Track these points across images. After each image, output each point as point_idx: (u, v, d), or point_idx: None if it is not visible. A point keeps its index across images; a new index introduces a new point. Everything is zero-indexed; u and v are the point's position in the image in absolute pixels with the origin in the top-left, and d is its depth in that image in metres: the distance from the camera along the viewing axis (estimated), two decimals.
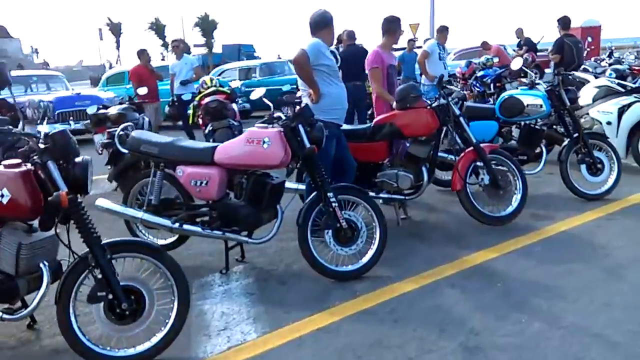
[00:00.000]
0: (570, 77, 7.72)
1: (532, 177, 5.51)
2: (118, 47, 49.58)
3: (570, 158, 5.12)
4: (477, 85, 11.13)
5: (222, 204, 3.63)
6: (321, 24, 4.14)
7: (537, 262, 3.80)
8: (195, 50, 35.03)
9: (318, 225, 3.59)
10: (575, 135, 5.10)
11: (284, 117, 3.58)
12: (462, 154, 4.47)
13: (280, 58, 23.82)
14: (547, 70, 15.35)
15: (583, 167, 5.14)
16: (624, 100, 5.98)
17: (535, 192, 5.46)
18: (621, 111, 5.97)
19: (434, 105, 4.46)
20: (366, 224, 3.69)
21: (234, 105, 7.81)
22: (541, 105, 5.11)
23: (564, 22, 8.41)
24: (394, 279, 3.61)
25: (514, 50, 15.95)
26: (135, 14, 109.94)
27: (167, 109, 9.41)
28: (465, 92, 7.87)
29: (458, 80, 11.84)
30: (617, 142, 6.03)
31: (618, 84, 6.14)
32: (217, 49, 35.53)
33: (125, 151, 4.62)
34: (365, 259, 3.64)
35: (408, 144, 4.56)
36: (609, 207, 4.91)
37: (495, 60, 13.69)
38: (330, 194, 3.49)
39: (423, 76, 8.44)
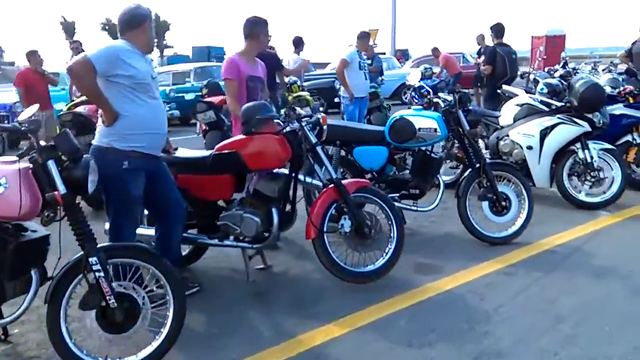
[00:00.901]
0: (500, 91, 6.91)
1: (426, 216, 4.65)
2: (71, 47, 47.59)
3: (471, 192, 4.27)
4: (416, 97, 10.27)
5: None
6: (132, 23, 3.17)
7: (392, 343, 2.87)
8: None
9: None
10: (477, 165, 4.23)
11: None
12: (321, 192, 3.54)
13: None
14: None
15: (485, 204, 4.26)
16: (547, 121, 5.13)
17: (429, 234, 4.59)
18: (544, 134, 5.13)
19: (286, 130, 3.52)
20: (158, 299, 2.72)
21: None
22: (436, 129, 4.21)
23: (497, 30, 7.60)
24: None
25: (474, 58, 15.24)
26: (90, 12, 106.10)
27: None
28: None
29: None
30: (539, 169, 5.20)
31: (541, 102, 5.28)
32: (187, 50, 34.42)
33: None
34: None
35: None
36: (514, 255, 4.02)
37: (437, 70, 12.92)
38: (93, 259, 2.50)
39: (342, 88, 7.53)
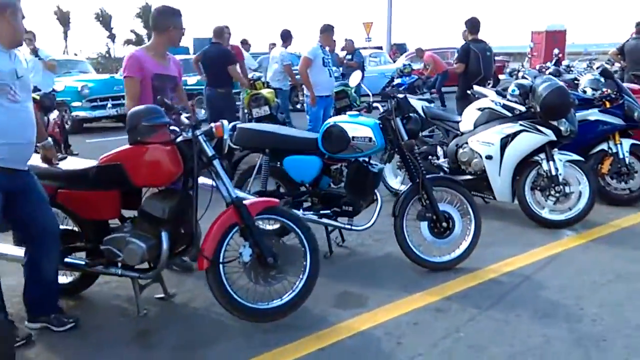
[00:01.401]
0: (469, 92, 6.37)
1: (371, 232, 4.14)
2: (66, 38, 47.04)
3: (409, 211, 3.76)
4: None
5: None
6: None
7: None
8: None
9: None
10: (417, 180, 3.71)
11: None
12: (219, 215, 3.03)
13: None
14: (501, 77, 14.10)
15: (424, 225, 3.75)
16: (508, 128, 4.60)
17: (366, 255, 4.09)
18: (505, 142, 4.60)
19: (178, 140, 3.01)
20: None
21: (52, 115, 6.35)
22: (371, 139, 3.69)
23: (472, 25, 7.02)
24: None
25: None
26: (84, 2, 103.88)
27: None
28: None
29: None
30: (499, 182, 4.68)
31: (504, 106, 4.75)
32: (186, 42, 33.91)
33: None
34: None
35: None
36: (452, 285, 3.52)
37: (417, 67, 12.38)
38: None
39: (304, 88, 7.01)
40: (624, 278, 3.57)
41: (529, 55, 12.48)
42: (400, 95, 3.78)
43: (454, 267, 3.74)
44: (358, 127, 3.71)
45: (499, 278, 3.62)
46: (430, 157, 5.25)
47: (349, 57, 10.74)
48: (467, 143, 4.85)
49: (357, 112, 3.86)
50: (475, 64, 6.80)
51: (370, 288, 3.51)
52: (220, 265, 2.93)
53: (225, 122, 3.03)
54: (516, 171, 4.65)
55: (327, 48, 6.72)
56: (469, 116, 4.96)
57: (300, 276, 3.07)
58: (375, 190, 3.86)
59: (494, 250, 4.08)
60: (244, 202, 2.99)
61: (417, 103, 5.42)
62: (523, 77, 11.69)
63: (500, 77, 14.21)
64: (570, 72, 12.79)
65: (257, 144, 4.05)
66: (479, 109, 4.90)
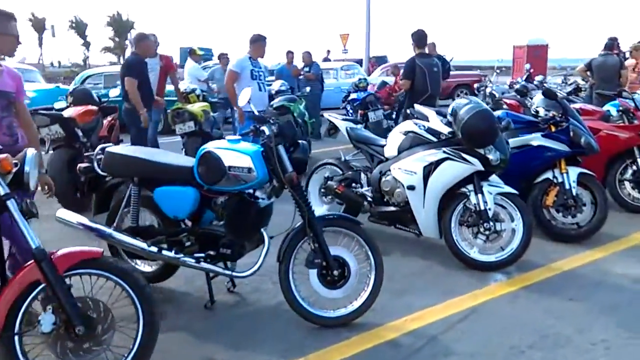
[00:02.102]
0: (409, 111, 5.79)
1: (258, 280, 3.53)
2: (40, 45, 46.11)
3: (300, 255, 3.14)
4: (350, 110, 9.17)
5: None
6: None
7: None
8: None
9: None
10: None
11: None
12: (17, 271, 2.39)
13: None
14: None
15: (313, 273, 3.13)
16: (431, 155, 4.01)
17: (243, 310, 3.46)
18: (428, 171, 4.01)
19: None
20: None
21: None
22: (250, 169, 3.07)
23: (418, 38, 6.46)
24: None
25: None
26: (59, 10, 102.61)
27: None
28: None
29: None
30: (424, 215, 4.09)
31: (428, 130, 4.16)
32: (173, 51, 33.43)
33: None
34: None
35: None
36: (337, 350, 2.90)
37: (375, 81, 11.84)
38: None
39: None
40: (549, 341, 2.97)
41: (497, 71, 11.93)
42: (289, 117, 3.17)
43: (349, 322, 3.12)
44: (236, 155, 3.09)
45: (398, 339, 3.01)
46: (354, 184, 4.65)
47: (307, 69, 10.19)
48: (390, 170, 4.26)
49: (240, 137, 3.24)
50: (421, 81, 6.24)
51: (242, 352, 2.88)
52: (16, 337, 2.28)
53: (29, 150, 2.40)
54: (443, 204, 4.06)
55: (258, 59, 6.13)
56: (393, 140, 4.37)
57: (131, 346, 2.44)
58: (263, 230, 3.23)
59: (405, 299, 3.48)
60: (58, 252, 2.37)
61: (341, 124, 4.84)
62: (491, 94, 11.21)
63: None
64: (543, 87, 12.34)
65: (123, 172, 3.42)
66: (402, 133, 4.31)
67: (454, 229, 4.00)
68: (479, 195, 3.89)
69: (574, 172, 4.51)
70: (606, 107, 6.00)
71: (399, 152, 4.26)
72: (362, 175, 4.62)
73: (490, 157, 3.83)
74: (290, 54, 10.61)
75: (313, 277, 3.11)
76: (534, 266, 4.02)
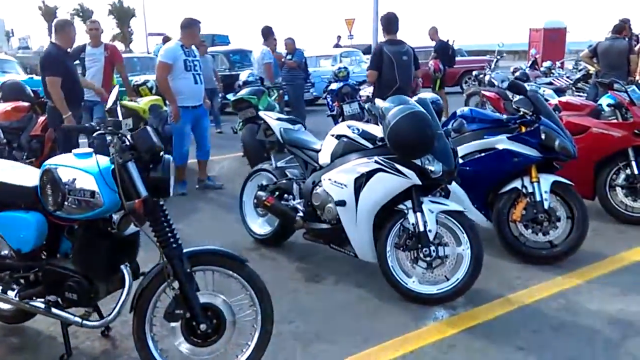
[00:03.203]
0: (368, 106, 5.10)
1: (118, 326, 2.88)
2: (50, 34, 45.82)
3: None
4: (330, 102, 8.46)
5: None
6: None
7: None
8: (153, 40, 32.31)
9: None
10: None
11: None
12: None
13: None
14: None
15: (176, 327, 2.46)
16: (363, 165, 3.32)
17: None
18: (359, 184, 3.32)
19: None
20: None
21: None
22: (93, 193, 2.41)
23: (388, 22, 5.70)
24: None
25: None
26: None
27: None
28: None
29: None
30: (357, 235, 3.42)
31: (362, 134, 3.45)
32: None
33: None
34: None
35: None
36: None
37: (358, 69, 11.04)
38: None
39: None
40: None
41: (498, 56, 11.00)
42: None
43: None
44: (77, 175, 2.44)
45: None
46: (286, 195, 3.99)
47: (289, 57, 9.47)
48: (322, 181, 3.58)
49: (89, 151, 2.59)
50: (389, 71, 5.50)
51: None
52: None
53: None
54: (378, 222, 3.37)
55: (193, 47, 5.44)
56: (327, 146, 3.68)
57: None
58: (123, 267, 2.57)
59: (313, 350, 2.81)
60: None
61: (275, 124, 4.15)
62: (489, 82, 10.35)
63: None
64: (551, 75, 11.41)
65: None
66: (335, 137, 3.62)
67: (390, 253, 3.31)
68: (418, 215, 3.19)
69: (546, 181, 3.77)
70: (602, 100, 5.18)
71: (332, 160, 3.58)
72: (295, 185, 3.94)
73: (431, 168, 3.12)
74: (273, 40, 9.91)
75: (177, 333, 2.45)
76: (488, 298, 3.32)
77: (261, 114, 4.32)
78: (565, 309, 3.18)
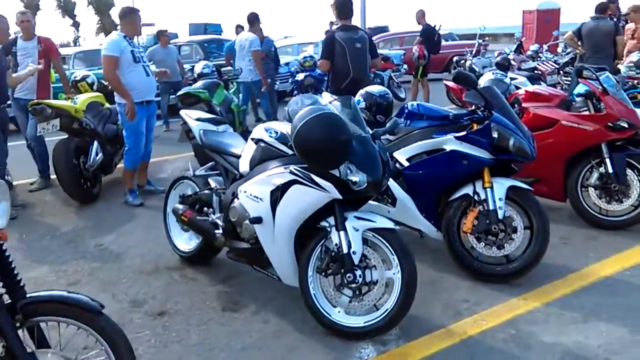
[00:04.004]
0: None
1: None
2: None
3: None
4: (296, 91, 7.93)
5: None
6: None
7: None
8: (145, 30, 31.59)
9: None
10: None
11: None
12: None
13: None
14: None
15: None
16: (278, 176, 2.82)
17: None
18: (276, 198, 2.83)
19: None
20: None
21: None
22: None
23: (342, 5, 5.15)
24: None
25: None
26: None
27: None
28: None
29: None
30: (276, 256, 2.94)
31: (280, 138, 2.96)
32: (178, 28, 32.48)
33: None
34: None
35: None
36: None
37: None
38: None
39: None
40: None
41: (479, 40, 10.41)
42: None
43: None
44: None
45: None
46: (205, 208, 3.51)
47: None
48: (239, 193, 3.09)
49: None
50: (340, 60, 4.98)
51: None
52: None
53: None
54: (301, 241, 2.89)
55: (135, 38, 4.95)
56: (247, 151, 3.19)
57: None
58: None
59: None
60: None
61: (195, 125, 3.65)
62: (470, 68, 9.77)
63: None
64: (538, 59, 10.86)
65: None
66: (254, 142, 3.12)
67: (312, 279, 2.84)
68: (341, 234, 2.70)
69: (501, 186, 3.28)
70: (576, 89, 4.66)
71: (251, 168, 3.09)
72: (214, 196, 3.46)
73: (353, 179, 2.63)
74: (239, 28, 9.39)
75: None
76: (426, 329, 2.86)
77: (181, 112, 3.82)
78: (514, 342, 2.71)
